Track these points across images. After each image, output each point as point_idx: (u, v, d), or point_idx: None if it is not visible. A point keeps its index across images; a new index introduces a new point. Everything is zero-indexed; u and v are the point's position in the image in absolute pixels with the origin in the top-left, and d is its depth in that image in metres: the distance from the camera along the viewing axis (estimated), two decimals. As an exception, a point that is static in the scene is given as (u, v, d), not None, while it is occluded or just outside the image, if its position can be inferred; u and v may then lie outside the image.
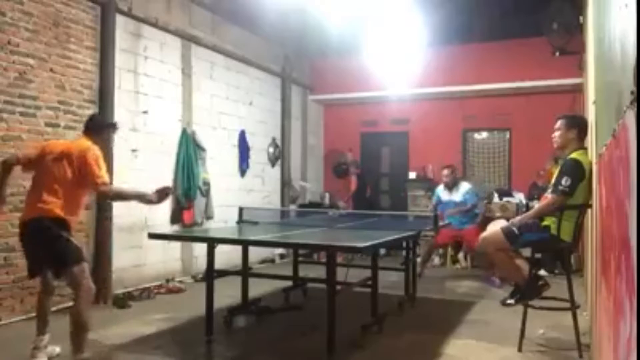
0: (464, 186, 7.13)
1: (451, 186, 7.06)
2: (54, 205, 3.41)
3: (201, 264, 6.23)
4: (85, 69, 5.31)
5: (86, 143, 3.60)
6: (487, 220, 6.19)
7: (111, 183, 3.94)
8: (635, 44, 1.10)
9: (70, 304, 3.60)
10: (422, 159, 9.35)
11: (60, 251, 3.39)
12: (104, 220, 5.41)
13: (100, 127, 3.85)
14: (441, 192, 7.20)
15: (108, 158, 5.39)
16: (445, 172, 7.11)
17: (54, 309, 3.86)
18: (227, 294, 5.00)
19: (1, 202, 3.64)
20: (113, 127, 4.08)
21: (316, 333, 3.95)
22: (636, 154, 1.12)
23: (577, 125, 3.86)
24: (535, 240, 3.84)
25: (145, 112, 6.05)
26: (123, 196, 4.04)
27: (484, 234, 4.22)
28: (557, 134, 3.91)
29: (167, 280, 6.11)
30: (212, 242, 4.21)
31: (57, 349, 3.64)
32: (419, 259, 6.49)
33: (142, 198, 3.72)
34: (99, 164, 3.48)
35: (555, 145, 3.95)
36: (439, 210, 6.91)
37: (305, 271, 5.70)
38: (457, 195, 7.02)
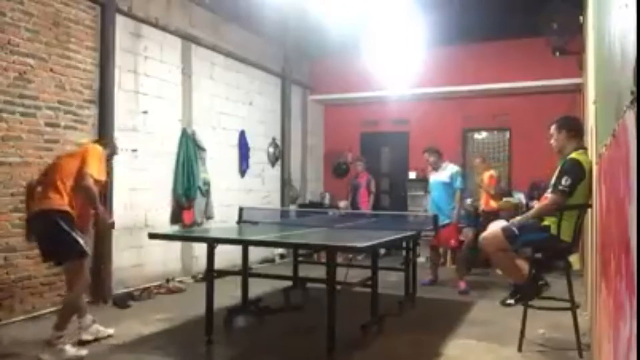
0: (451, 167, 6.39)
1: (436, 167, 6.43)
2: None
3: (201, 264, 6.23)
4: (85, 69, 5.31)
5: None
6: (488, 219, 6.17)
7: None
8: (635, 44, 1.10)
9: None
10: (422, 159, 9.28)
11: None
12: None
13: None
14: (430, 176, 6.61)
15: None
16: (425, 155, 6.51)
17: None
18: (227, 294, 5.01)
19: None
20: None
21: (316, 333, 3.95)
22: (636, 154, 1.12)
23: (566, 126, 3.91)
24: (536, 240, 3.84)
25: (145, 112, 6.05)
26: (91, 195, 3.79)
27: (484, 234, 4.22)
28: (552, 139, 3.99)
29: (167, 280, 6.11)
30: (212, 242, 4.20)
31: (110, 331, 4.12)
32: (419, 259, 6.46)
33: (97, 209, 3.92)
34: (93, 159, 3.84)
35: (555, 150, 4.01)
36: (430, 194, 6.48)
37: (305, 271, 5.69)
38: (443, 175, 6.31)
